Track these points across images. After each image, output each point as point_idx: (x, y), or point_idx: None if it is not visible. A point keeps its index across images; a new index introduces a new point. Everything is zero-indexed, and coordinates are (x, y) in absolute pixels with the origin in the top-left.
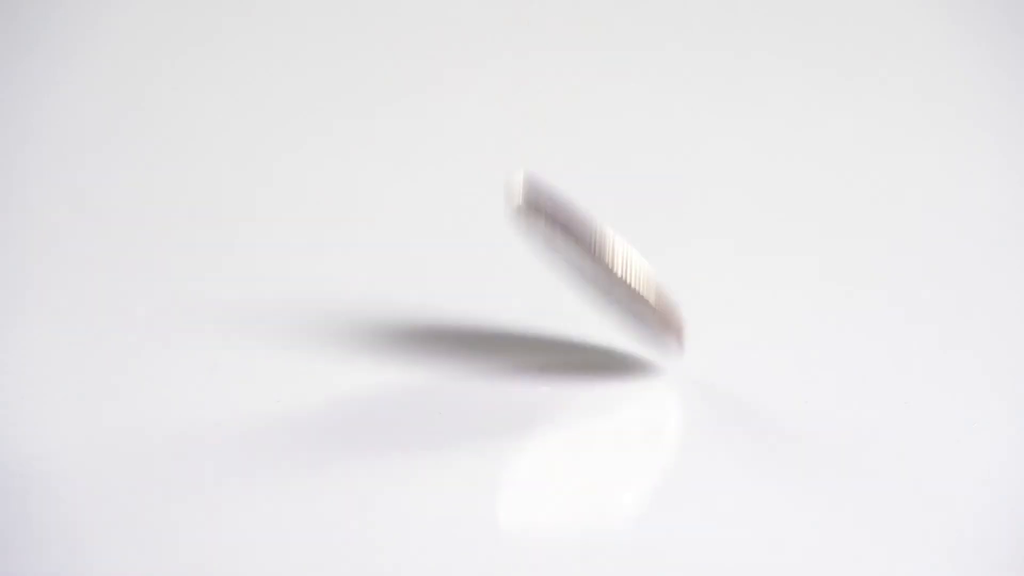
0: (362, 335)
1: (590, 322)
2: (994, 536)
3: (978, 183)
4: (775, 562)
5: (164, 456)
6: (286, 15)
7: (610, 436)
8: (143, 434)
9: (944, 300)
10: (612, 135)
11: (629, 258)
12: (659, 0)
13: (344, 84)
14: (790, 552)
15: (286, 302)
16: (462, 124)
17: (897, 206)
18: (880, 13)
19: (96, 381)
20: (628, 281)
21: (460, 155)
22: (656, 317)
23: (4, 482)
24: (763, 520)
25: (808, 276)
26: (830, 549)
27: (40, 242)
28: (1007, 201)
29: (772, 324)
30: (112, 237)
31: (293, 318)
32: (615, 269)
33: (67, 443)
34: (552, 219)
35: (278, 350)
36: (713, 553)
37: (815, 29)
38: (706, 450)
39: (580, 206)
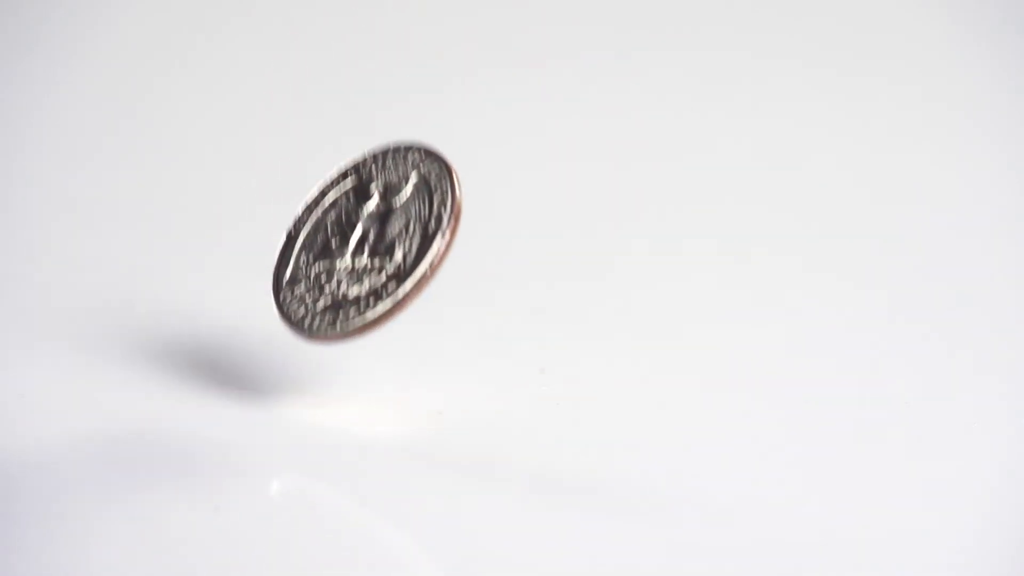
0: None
1: None
2: (994, 536)
3: (978, 183)
4: (775, 561)
5: None
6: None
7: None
8: None
9: (944, 300)
10: (608, 134)
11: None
12: (658, 1)
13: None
14: (790, 551)
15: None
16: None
17: (897, 206)
18: (880, 13)
19: None
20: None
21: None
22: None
23: None
24: (764, 518)
25: (808, 275)
26: (830, 548)
27: None
28: (1007, 201)
29: (772, 324)
30: None
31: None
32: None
33: None
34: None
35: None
36: (712, 551)
37: (815, 29)
38: (703, 447)
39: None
